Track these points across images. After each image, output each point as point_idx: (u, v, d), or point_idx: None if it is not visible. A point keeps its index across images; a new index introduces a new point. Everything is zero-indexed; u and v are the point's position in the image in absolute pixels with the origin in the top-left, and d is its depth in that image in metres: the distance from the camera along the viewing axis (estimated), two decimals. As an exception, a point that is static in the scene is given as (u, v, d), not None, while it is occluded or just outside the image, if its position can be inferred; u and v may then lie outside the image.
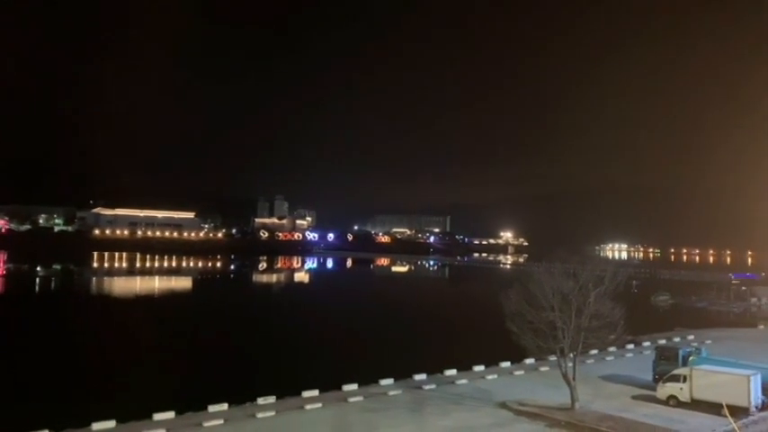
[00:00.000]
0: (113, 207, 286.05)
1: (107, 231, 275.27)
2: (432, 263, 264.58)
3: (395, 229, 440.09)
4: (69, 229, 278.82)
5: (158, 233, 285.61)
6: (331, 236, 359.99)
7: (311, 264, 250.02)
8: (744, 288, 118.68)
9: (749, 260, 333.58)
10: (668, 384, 37.92)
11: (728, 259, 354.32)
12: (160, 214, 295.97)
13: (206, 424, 32.55)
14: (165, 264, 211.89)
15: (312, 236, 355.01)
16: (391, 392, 39.80)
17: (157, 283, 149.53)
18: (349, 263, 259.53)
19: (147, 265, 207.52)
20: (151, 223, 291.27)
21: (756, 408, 35.11)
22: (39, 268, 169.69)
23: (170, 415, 33.54)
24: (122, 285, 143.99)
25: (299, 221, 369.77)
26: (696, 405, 35.99)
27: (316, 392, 38.42)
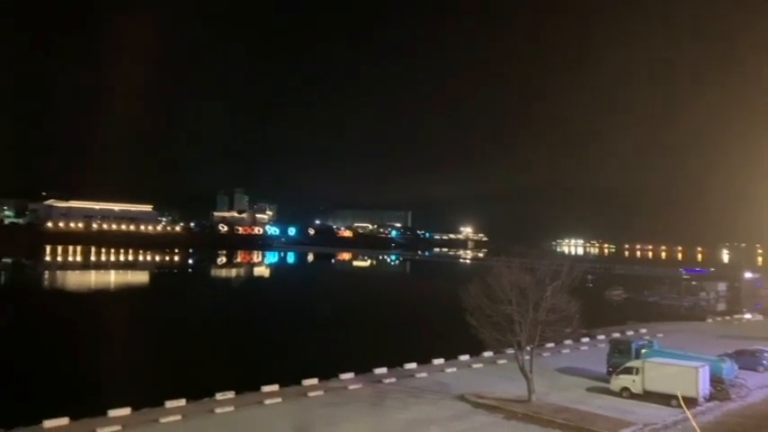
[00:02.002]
0: (67, 199, 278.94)
1: (60, 224, 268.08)
2: (393, 257, 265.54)
3: (356, 224, 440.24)
4: (20, 221, 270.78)
5: (114, 226, 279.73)
6: (292, 230, 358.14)
7: (272, 258, 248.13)
8: (694, 283, 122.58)
9: (699, 256, 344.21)
10: (621, 376, 38.89)
11: (680, 255, 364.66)
12: (116, 207, 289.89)
13: (163, 420, 32.08)
14: (122, 258, 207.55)
15: (273, 230, 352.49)
16: (351, 386, 39.87)
17: (113, 278, 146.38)
18: (310, 257, 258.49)
19: (103, 258, 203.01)
20: (107, 216, 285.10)
21: (704, 398, 36.36)
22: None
23: (125, 411, 32.89)
24: (76, 279, 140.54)
25: (259, 215, 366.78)
26: (648, 396, 36.99)
27: (275, 387, 38.18)
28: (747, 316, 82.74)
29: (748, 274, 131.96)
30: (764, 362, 47.01)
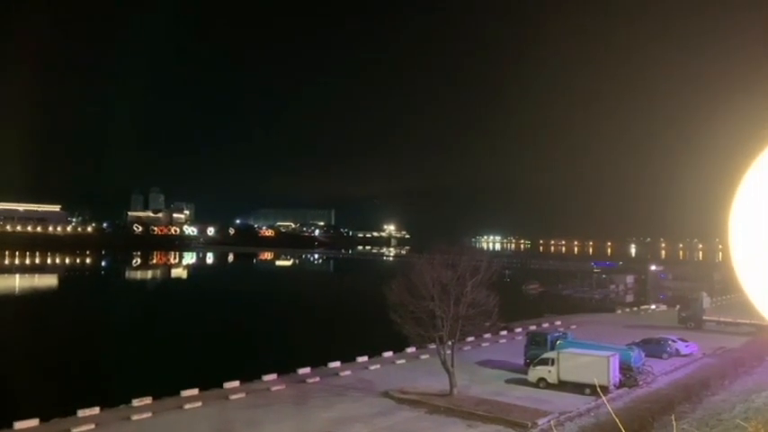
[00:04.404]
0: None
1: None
2: (316, 256, 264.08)
3: (279, 223, 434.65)
4: None
5: (19, 227, 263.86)
6: (211, 230, 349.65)
7: (190, 259, 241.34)
8: (604, 276, 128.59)
9: (609, 250, 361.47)
10: (538, 367, 40.26)
11: (591, 250, 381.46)
12: (21, 207, 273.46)
13: (74, 430, 30.50)
14: (28, 261, 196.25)
15: (191, 230, 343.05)
16: (274, 388, 39.31)
17: (18, 282, 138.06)
18: (231, 257, 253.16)
19: (7, 261, 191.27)
20: (11, 217, 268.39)
21: (614, 386, 38.25)
22: None
23: (33, 423, 31.10)
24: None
25: (176, 215, 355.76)
26: (563, 386, 38.47)
27: (195, 391, 37.11)
28: (653, 306, 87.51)
29: (653, 267, 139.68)
30: (668, 349, 50.03)
